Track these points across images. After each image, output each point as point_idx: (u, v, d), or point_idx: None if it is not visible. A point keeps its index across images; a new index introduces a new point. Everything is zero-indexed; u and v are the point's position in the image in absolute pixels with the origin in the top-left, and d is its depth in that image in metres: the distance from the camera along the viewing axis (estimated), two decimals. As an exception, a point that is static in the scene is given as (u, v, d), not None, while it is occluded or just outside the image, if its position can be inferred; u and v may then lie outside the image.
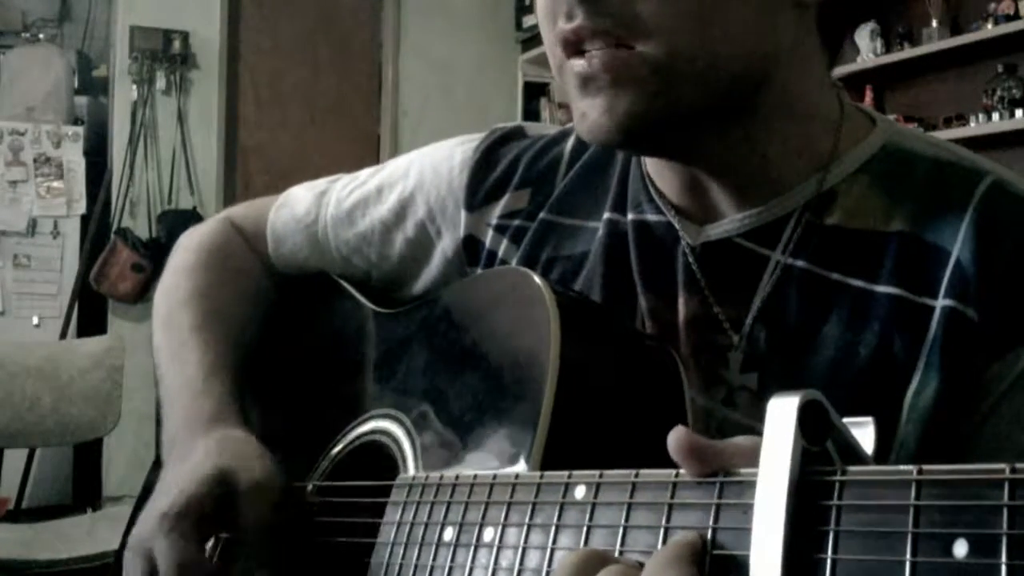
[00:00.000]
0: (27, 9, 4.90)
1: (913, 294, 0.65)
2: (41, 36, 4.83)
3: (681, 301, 0.72)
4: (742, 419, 0.69)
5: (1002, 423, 0.62)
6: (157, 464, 0.97)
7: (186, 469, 0.74)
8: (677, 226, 0.73)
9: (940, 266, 0.64)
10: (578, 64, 0.64)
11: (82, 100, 4.66)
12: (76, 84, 4.64)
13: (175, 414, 0.84)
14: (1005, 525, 0.33)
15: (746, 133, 0.68)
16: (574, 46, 0.64)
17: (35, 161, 4.35)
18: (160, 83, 4.46)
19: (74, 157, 4.41)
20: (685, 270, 0.72)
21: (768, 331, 0.69)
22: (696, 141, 0.69)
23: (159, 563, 0.69)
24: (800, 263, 0.68)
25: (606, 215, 0.78)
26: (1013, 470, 0.33)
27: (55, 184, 4.38)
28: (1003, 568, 0.33)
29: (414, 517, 0.63)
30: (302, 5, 4.88)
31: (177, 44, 4.46)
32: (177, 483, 0.73)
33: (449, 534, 0.59)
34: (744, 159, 0.69)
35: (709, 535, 0.43)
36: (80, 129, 4.48)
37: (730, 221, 0.71)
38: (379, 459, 0.74)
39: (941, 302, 0.63)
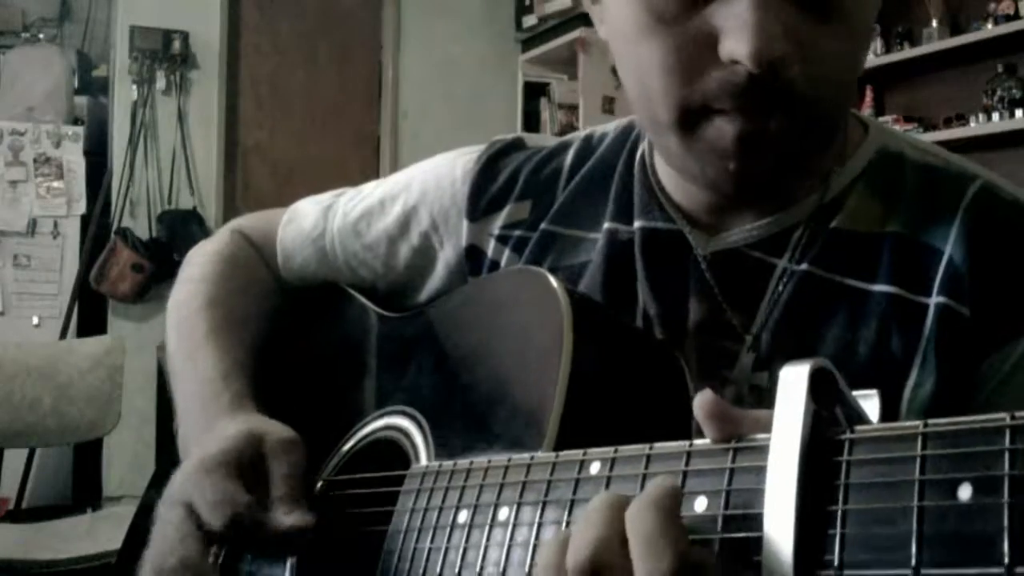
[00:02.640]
0: (27, 9, 4.89)
1: (909, 292, 0.67)
2: (41, 36, 4.83)
3: (691, 307, 0.74)
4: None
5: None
6: (157, 474, 0.98)
7: (211, 438, 0.75)
8: (688, 235, 0.75)
9: (933, 265, 0.67)
10: (739, 125, 0.64)
11: (82, 100, 4.64)
12: (76, 84, 4.62)
13: (192, 413, 0.85)
14: (1007, 467, 0.35)
15: None
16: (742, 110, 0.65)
17: (35, 161, 4.34)
18: (160, 83, 4.45)
19: (74, 157, 4.40)
20: (697, 277, 0.74)
21: (773, 335, 0.71)
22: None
23: (200, 505, 0.69)
24: (803, 267, 0.71)
25: (606, 224, 0.80)
26: (1013, 417, 0.35)
27: (55, 184, 4.37)
28: (1005, 507, 0.34)
29: (428, 503, 0.64)
30: (302, 5, 4.88)
31: (177, 44, 4.45)
32: (207, 445, 0.74)
33: (464, 516, 0.60)
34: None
35: (723, 498, 0.43)
36: (80, 129, 4.46)
37: (739, 231, 0.73)
38: (391, 454, 0.75)
39: (935, 299, 0.66)
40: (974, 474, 0.35)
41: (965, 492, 0.35)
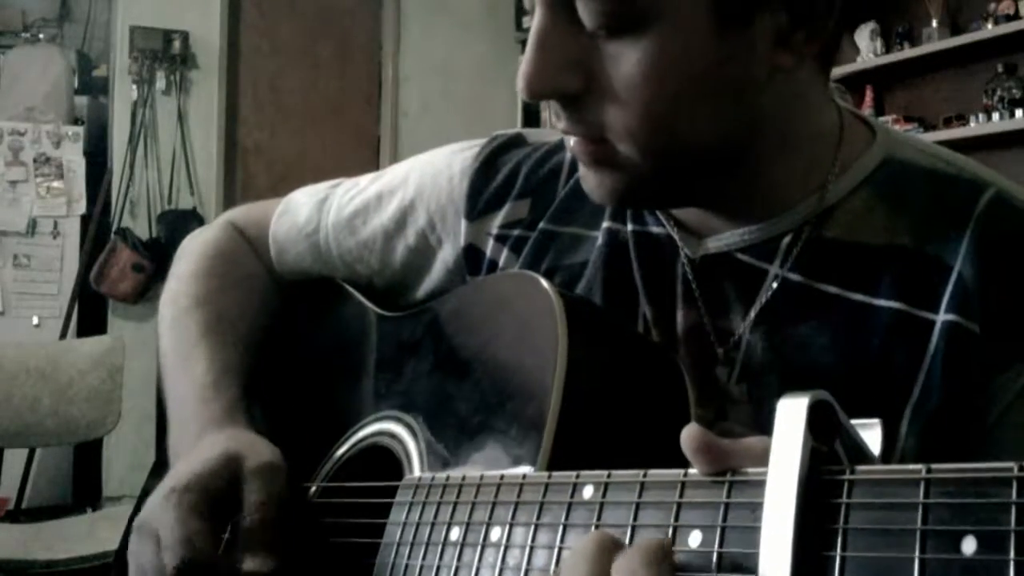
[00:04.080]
0: (27, 9, 4.89)
1: (914, 308, 0.65)
2: (41, 36, 4.82)
3: (680, 313, 0.73)
4: (735, 430, 0.69)
5: (1006, 435, 0.62)
6: (156, 467, 0.97)
7: (193, 456, 0.74)
8: (677, 239, 0.74)
9: (941, 280, 0.64)
10: (572, 142, 0.68)
11: (82, 100, 4.65)
12: (76, 84, 4.63)
13: (183, 418, 0.84)
14: (1013, 522, 0.33)
15: (745, 172, 0.69)
16: None
17: (35, 161, 4.35)
18: (160, 83, 4.45)
19: (74, 157, 4.40)
20: (684, 283, 0.73)
21: (764, 343, 0.69)
22: (695, 192, 0.70)
23: (163, 538, 0.67)
24: (797, 276, 0.69)
25: (605, 224, 0.79)
26: (1021, 468, 0.34)
27: (55, 184, 4.37)
28: (1011, 564, 0.33)
29: (420, 517, 0.63)
30: (302, 5, 4.88)
31: (177, 44, 4.46)
32: (186, 466, 0.72)
33: (455, 534, 0.59)
34: (744, 190, 0.70)
35: (718, 533, 0.43)
36: (80, 129, 4.47)
37: (730, 235, 0.71)
38: (384, 461, 0.74)
39: (943, 316, 0.64)
40: (979, 527, 0.34)
41: (969, 546, 0.34)
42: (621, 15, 0.60)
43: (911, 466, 0.37)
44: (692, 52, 0.60)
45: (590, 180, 0.69)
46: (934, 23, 3.74)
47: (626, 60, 0.61)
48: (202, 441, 0.77)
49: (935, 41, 3.70)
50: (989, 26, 3.53)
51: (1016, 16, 3.48)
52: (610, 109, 0.63)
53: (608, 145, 0.65)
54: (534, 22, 0.64)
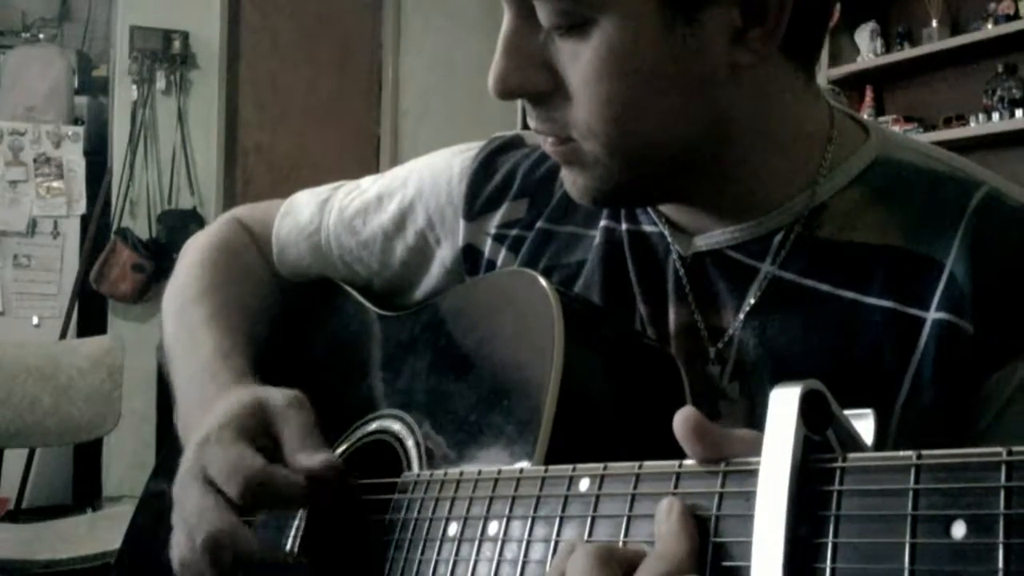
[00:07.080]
0: (27, 9, 4.89)
1: (903, 305, 0.65)
2: (41, 36, 4.82)
3: (672, 311, 0.73)
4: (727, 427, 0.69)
5: (1001, 435, 0.62)
6: (157, 470, 0.97)
7: (215, 411, 0.73)
8: (668, 237, 0.74)
9: (933, 279, 0.65)
10: (544, 143, 0.70)
11: (82, 100, 4.64)
12: (76, 84, 4.62)
13: (193, 395, 0.84)
14: (1002, 506, 0.34)
15: (726, 172, 0.69)
16: None
17: (35, 161, 4.34)
18: (160, 83, 4.45)
19: (74, 157, 4.40)
20: (675, 281, 0.74)
21: (755, 341, 0.69)
22: (673, 190, 0.71)
23: (216, 474, 0.67)
24: (789, 275, 0.69)
25: (603, 222, 0.79)
26: (1010, 452, 0.34)
27: (55, 184, 4.37)
28: (1000, 548, 0.33)
29: (418, 513, 0.64)
30: (302, 5, 4.88)
31: (177, 44, 4.45)
32: (210, 420, 0.72)
33: (453, 529, 0.60)
34: (729, 190, 0.70)
35: (712, 523, 0.43)
36: (80, 129, 4.47)
37: (721, 233, 0.72)
38: (383, 459, 0.75)
39: (934, 315, 0.64)
40: (969, 511, 0.34)
41: (959, 530, 0.34)
42: (570, 13, 0.61)
43: (902, 452, 0.37)
44: (642, 48, 0.61)
45: (567, 179, 0.71)
46: (934, 23, 3.74)
47: (581, 58, 0.62)
48: (218, 402, 0.76)
49: (935, 41, 3.70)
50: (989, 26, 3.54)
51: (1016, 16, 3.48)
52: (573, 108, 0.64)
53: (575, 144, 0.66)
54: (503, 24, 0.66)
